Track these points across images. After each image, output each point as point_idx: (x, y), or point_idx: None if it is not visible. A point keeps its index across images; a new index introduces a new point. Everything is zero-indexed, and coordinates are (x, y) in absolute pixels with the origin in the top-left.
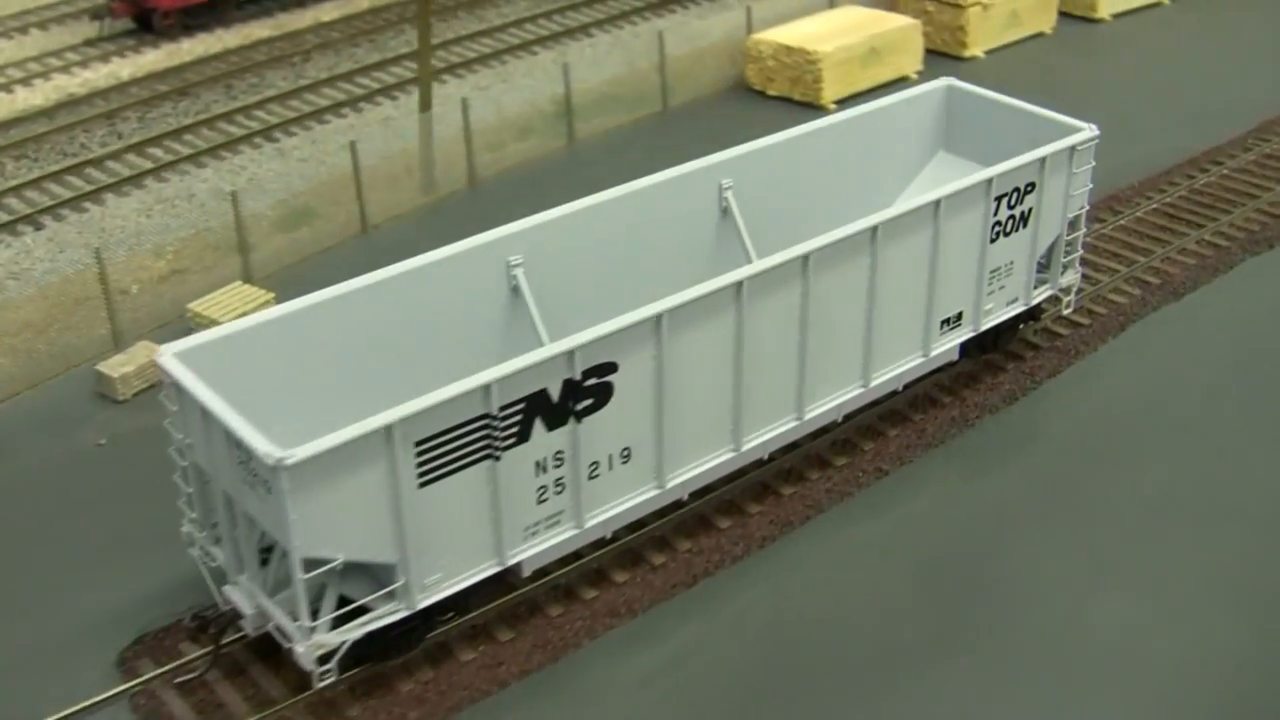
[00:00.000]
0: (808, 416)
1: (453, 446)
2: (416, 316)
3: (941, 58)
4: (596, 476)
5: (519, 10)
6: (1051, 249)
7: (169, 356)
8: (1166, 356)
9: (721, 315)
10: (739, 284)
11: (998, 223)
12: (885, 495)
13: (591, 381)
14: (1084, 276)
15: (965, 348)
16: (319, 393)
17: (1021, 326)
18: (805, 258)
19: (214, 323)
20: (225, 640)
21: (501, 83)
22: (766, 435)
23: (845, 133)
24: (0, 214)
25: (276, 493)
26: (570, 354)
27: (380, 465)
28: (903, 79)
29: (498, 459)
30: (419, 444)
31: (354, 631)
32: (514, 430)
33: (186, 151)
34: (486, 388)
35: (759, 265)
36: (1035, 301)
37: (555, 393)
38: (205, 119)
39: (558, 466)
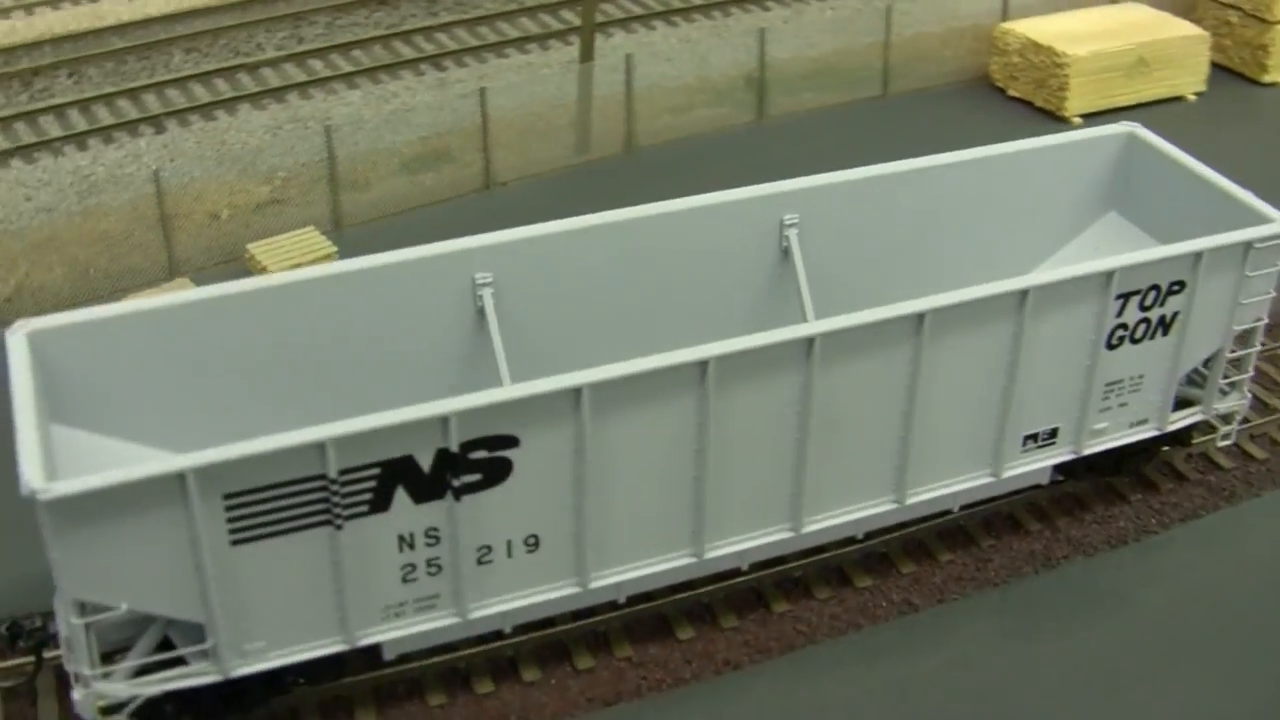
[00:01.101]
0: (807, 530)
1: (275, 506)
2: (358, 329)
3: (1234, 78)
4: (488, 563)
5: None
6: (1209, 364)
7: (19, 335)
8: None
9: (676, 398)
10: (703, 364)
11: (1122, 326)
12: (899, 638)
13: (479, 455)
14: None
15: (1071, 467)
16: (225, 402)
17: (1165, 449)
18: (810, 341)
19: (263, 270)
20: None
21: (683, 42)
22: (742, 545)
23: (975, 175)
24: (131, 109)
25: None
26: (444, 420)
27: (174, 515)
28: (1176, 99)
29: (339, 527)
30: (229, 497)
31: (150, 687)
32: (364, 498)
33: (347, 68)
34: (320, 446)
35: (732, 346)
36: (1174, 428)
37: (426, 462)
38: (386, 34)
39: (431, 545)
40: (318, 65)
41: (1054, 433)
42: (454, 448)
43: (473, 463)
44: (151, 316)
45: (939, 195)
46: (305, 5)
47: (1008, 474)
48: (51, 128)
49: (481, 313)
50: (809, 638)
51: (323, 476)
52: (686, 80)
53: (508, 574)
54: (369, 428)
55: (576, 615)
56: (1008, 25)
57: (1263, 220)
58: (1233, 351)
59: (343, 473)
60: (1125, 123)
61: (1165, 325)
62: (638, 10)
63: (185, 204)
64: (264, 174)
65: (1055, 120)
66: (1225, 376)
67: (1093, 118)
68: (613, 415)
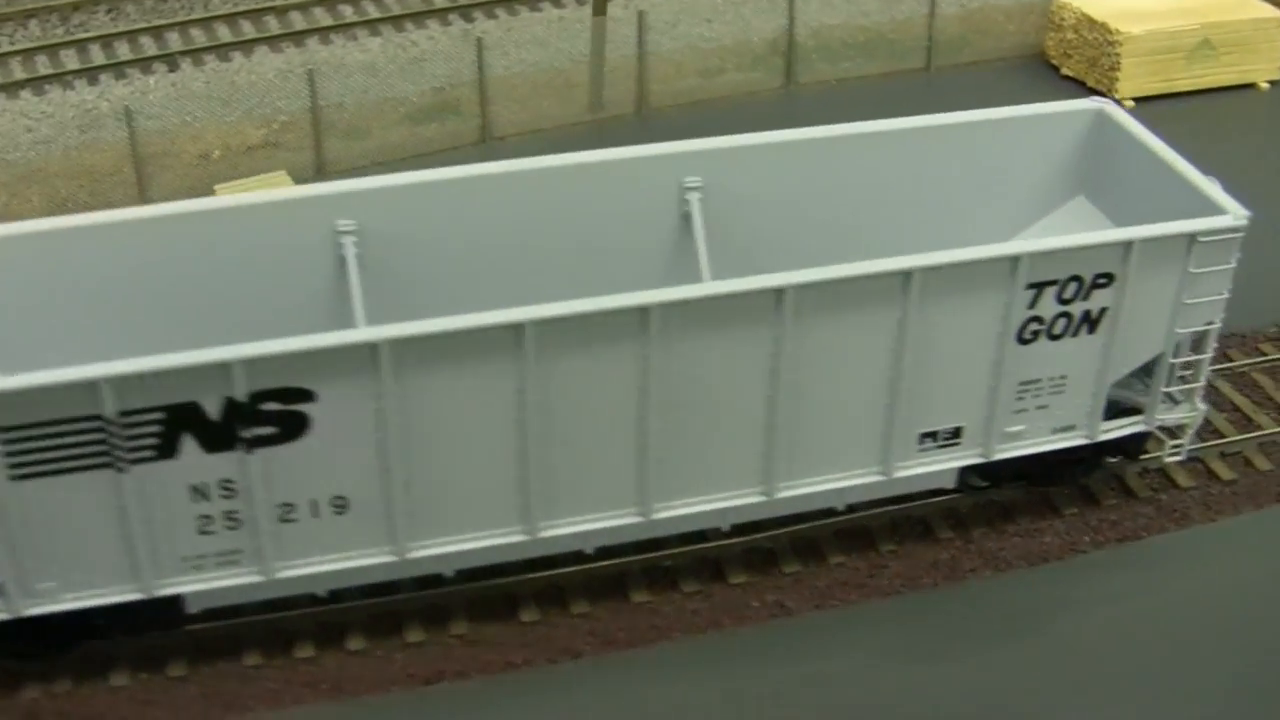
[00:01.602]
0: (659, 516)
1: (54, 444)
2: (220, 269)
3: None
4: (292, 521)
5: None
6: (1151, 370)
7: None
8: None
9: (493, 363)
10: (518, 327)
11: (1036, 319)
12: (762, 643)
13: (271, 407)
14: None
15: (996, 473)
16: (77, 332)
17: (1112, 460)
18: (644, 311)
19: None
20: None
21: (728, 3)
22: (583, 527)
23: (921, 146)
24: (152, 46)
25: None
26: (227, 368)
27: None
28: (1248, 86)
29: (122, 470)
30: (6, 431)
31: None
32: (148, 443)
33: (375, 13)
34: (93, 384)
35: (553, 310)
36: (1106, 438)
37: (213, 410)
38: None
39: (227, 498)
40: (347, 10)
41: (957, 432)
42: (241, 397)
43: (264, 415)
44: (7, 243)
45: (877, 165)
46: None
47: (901, 474)
48: (71, 61)
49: (343, 263)
50: (663, 633)
51: (98, 417)
52: (724, 42)
53: (315, 535)
54: (148, 369)
55: (424, 584)
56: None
57: (1210, 210)
58: (1182, 357)
59: (123, 414)
60: (1096, 98)
61: (1091, 322)
62: None
63: (181, 143)
64: (265, 117)
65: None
66: (1173, 384)
67: (1149, 102)
68: (419, 375)
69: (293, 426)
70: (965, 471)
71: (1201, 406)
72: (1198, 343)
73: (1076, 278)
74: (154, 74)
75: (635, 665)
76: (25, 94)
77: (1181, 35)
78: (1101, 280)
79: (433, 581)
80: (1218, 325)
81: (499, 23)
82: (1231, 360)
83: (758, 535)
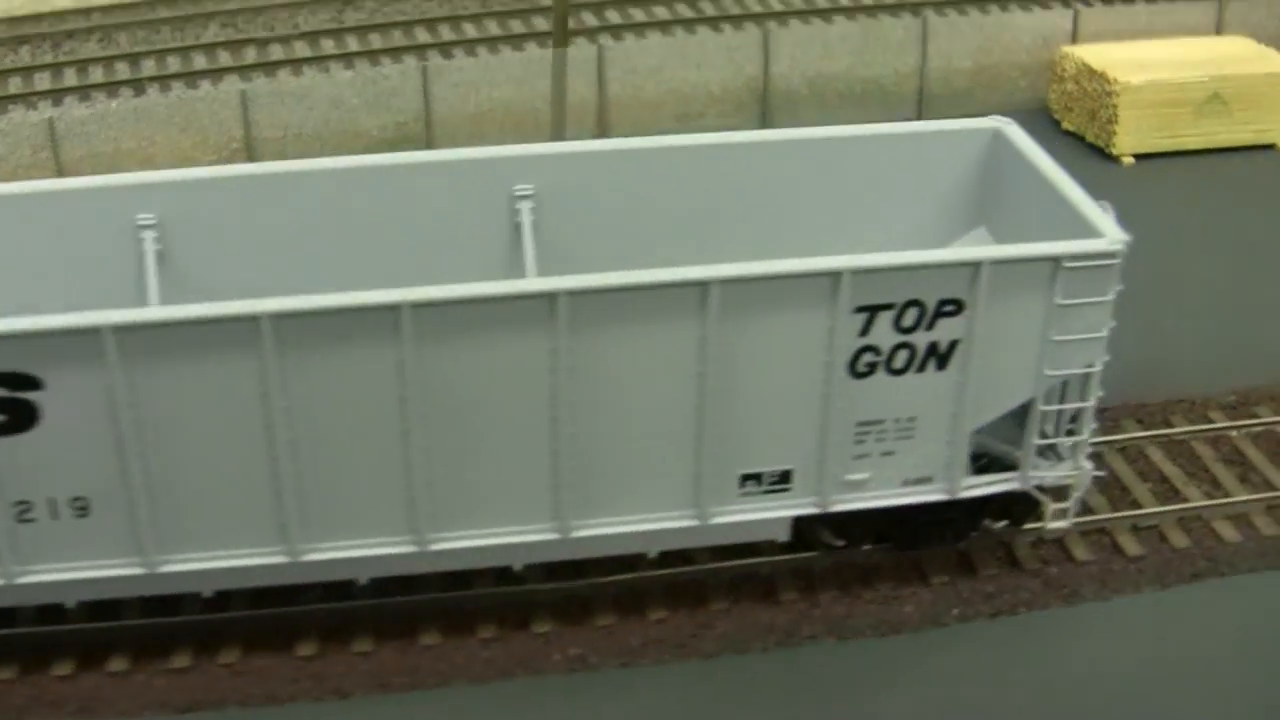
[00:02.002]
0: (436, 548)
1: None
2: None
3: None
4: (30, 521)
5: None
6: (1024, 420)
7: None
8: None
9: (232, 359)
10: (254, 320)
11: (871, 349)
12: (551, 699)
13: None
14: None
15: (854, 530)
16: None
17: (1000, 526)
18: (395, 309)
19: None
20: None
21: (721, 49)
22: (350, 553)
23: (790, 160)
24: (126, 71)
25: None
26: None
27: None
28: (1266, 147)
29: None
30: None
31: None
32: None
33: (355, 47)
34: None
35: (295, 304)
36: (972, 494)
37: None
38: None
39: None
40: (328, 44)
41: (786, 476)
42: None
43: None
44: None
45: (731, 177)
46: None
47: (721, 519)
48: (43, 83)
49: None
50: (445, 679)
51: None
52: (710, 88)
53: (56, 538)
54: None
55: (211, 607)
56: (1069, 49)
57: (1087, 233)
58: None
59: None
60: (996, 117)
61: (940, 357)
62: (688, 14)
63: (120, 164)
64: (220, 142)
65: (1105, 159)
66: (1048, 437)
67: (1152, 159)
68: (152, 369)
69: (21, 416)
70: (814, 527)
71: (1086, 465)
72: (1075, 387)
73: (916, 303)
74: (119, 98)
75: (402, 711)
76: None
77: (1188, 87)
78: (948, 308)
79: (222, 603)
80: (1098, 369)
81: (478, 60)
82: (1171, 427)
83: (577, 582)
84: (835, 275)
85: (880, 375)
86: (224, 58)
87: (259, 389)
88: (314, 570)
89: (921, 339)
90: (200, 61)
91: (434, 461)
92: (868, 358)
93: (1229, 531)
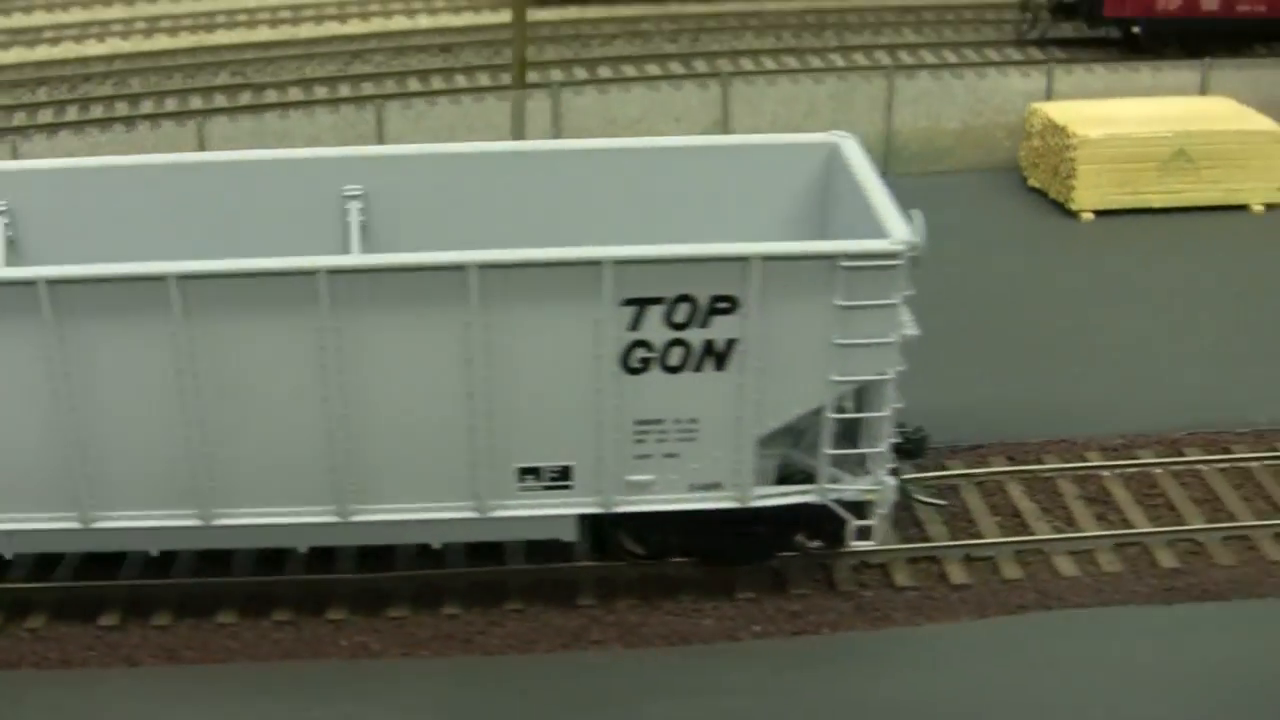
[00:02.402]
0: (219, 523)
1: None
2: None
3: None
4: None
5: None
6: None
7: None
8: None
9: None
10: (30, 284)
11: (643, 344)
12: (318, 683)
13: None
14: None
15: (657, 541)
16: None
17: (815, 546)
18: (160, 280)
19: None
20: None
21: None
22: (137, 523)
23: (619, 170)
24: (124, 109)
25: None
26: None
27: None
28: (1238, 207)
29: None
30: None
31: None
32: None
33: (347, 93)
34: None
35: (73, 271)
36: (764, 504)
37: None
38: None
39: None
40: (321, 90)
41: (566, 472)
42: None
43: None
44: None
45: (563, 184)
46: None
47: (501, 514)
48: (45, 117)
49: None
50: (231, 655)
51: None
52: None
53: None
54: None
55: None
56: (1038, 105)
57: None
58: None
59: None
60: (835, 132)
61: (718, 356)
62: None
63: None
64: None
65: (1064, 214)
66: (841, 447)
67: (1113, 215)
68: None
69: None
70: (613, 532)
71: (889, 480)
72: (863, 398)
73: (688, 298)
74: (110, 131)
75: (191, 683)
76: None
77: (1151, 143)
78: (722, 304)
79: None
80: (890, 377)
81: (477, 103)
82: (1041, 463)
83: (382, 574)
84: (596, 265)
85: (656, 372)
86: (220, 100)
87: (42, 354)
88: (103, 539)
89: (696, 336)
90: (197, 103)
91: (210, 437)
92: (640, 353)
93: (1067, 567)
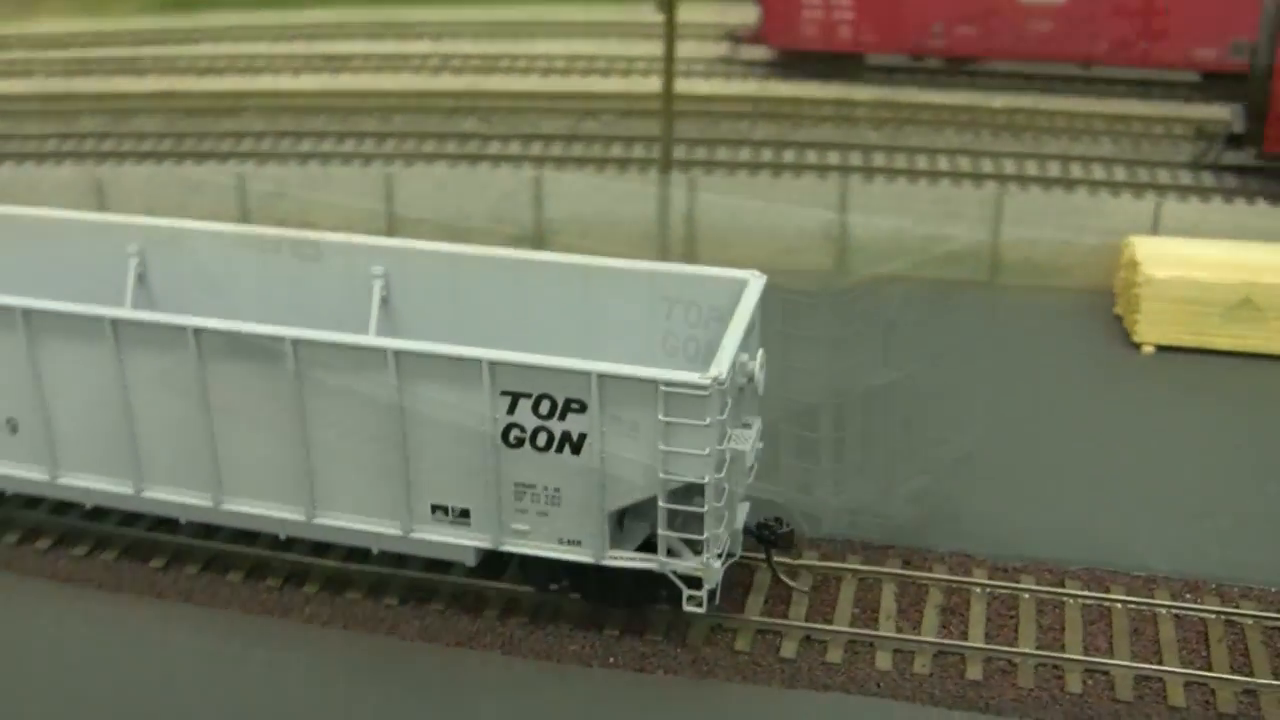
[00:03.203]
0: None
1: None
2: None
3: None
4: None
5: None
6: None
7: None
8: None
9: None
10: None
11: (517, 426)
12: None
13: None
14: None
15: (545, 576)
16: None
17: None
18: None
19: None
20: None
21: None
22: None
23: (563, 283)
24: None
25: None
26: None
27: None
28: None
29: None
30: None
31: None
32: None
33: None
34: None
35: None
36: (614, 564)
37: None
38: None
39: None
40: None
41: (466, 513)
42: None
43: None
44: None
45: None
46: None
47: (417, 535)
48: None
49: None
50: (224, 606)
51: None
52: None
53: None
54: None
55: None
56: (1134, 237)
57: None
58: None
59: None
60: (752, 271)
61: (574, 444)
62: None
63: None
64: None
65: (1129, 346)
66: (673, 530)
67: (1175, 352)
68: None
69: None
70: (524, 569)
71: (714, 565)
72: (691, 492)
73: (547, 396)
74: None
75: (191, 617)
76: None
77: (1216, 289)
78: (574, 405)
79: None
80: (708, 481)
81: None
82: (931, 572)
83: (351, 565)
84: (477, 362)
85: (528, 449)
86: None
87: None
88: (155, 506)
89: (556, 426)
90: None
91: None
92: (516, 432)
93: (883, 661)
